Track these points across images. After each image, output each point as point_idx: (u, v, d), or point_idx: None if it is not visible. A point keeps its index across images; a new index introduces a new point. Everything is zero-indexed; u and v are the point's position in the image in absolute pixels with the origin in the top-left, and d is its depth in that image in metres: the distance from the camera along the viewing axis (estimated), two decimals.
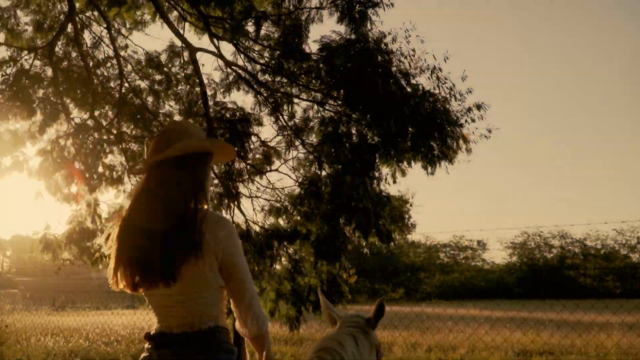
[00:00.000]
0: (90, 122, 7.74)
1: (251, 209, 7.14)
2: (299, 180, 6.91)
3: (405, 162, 6.21)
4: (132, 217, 1.85)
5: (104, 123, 7.84)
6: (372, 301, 6.42)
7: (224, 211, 6.92)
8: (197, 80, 7.03)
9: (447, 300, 27.85)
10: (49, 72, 7.14)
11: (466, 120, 6.17)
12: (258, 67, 6.80)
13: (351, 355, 2.22)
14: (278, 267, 6.89)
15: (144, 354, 1.87)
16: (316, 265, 6.42)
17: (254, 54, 6.68)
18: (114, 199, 7.61)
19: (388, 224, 6.34)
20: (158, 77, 7.79)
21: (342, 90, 6.11)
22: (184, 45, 6.70)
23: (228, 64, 6.84)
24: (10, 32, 7.02)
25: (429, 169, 6.05)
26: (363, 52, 5.74)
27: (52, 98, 7.48)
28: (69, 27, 6.95)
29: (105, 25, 7.23)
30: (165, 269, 1.72)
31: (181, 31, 6.66)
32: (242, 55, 6.68)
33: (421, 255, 41.39)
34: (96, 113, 7.57)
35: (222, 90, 7.14)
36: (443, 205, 63.03)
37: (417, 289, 35.92)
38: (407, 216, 7.77)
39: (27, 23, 7.17)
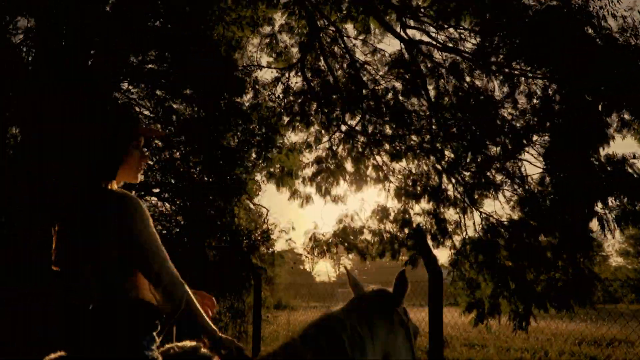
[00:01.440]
0: (358, 127, 8.66)
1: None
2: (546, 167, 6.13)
3: None
4: None
5: (369, 127, 8.61)
6: None
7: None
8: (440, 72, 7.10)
9: None
10: (304, 85, 8.30)
11: None
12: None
13: (352, 331, 2.06)
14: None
15: None
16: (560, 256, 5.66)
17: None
18: (376, 198, 8.28)
19: None
20: (407, 76, 8.04)
21: None
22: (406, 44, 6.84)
23: (453, 50, 6.66)
24: (278, 55, 8.44)
25: None
26: None
27: (324, 109, 8.70)
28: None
29: (348, 36, 7.96)
30: None
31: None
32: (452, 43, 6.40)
33: None
34: (357, 118, 8.40)
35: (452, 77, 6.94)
36: None
37: None
38: None
39: (292, 45, 8.46)
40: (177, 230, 8.89)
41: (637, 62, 5.53)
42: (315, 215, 9.59)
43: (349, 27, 8.12)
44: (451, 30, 6.58)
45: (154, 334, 1.98)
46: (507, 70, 6.23)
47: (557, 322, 11.85)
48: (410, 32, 7.20)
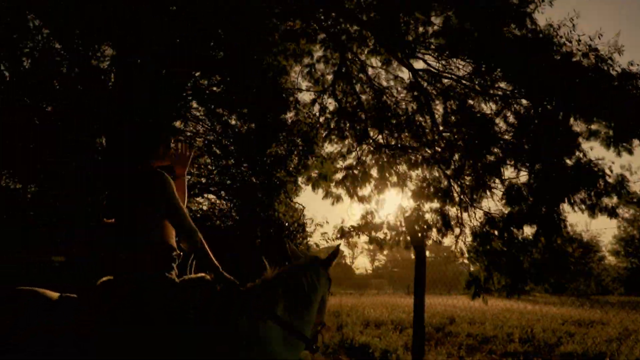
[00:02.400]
0: (382, 140, 10.32)
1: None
2: None
3: None
4: None
5: (392, 140, 10.26)
6: None
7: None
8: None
9: None
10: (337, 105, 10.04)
11: None
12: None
13: (308, 278, 3.07)
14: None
15: None
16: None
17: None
18: (394, 198, 9.86)
19: None
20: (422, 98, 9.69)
21: None
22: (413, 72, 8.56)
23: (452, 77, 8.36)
24: (315, 81, 10.23)
25: None
26: None
27: (356, 126, 10.41)
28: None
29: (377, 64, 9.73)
30: None
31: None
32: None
33: None
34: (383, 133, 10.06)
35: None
36: None
37: None
38: None
39: (327, 73, 10.24)
40: (231, 223, 10.72)
41: (599, 81, 7.03)
42: (344, 212, 11.19)
43: (374, 59, 9.83)
44: (451, 60, 8.22)
45: (173, 264, 2.75)
46: (493, 91, 7.82)
47: (549, 307, 13.12)
48: (419, 62, 8.89)
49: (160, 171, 2.77)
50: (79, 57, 8.81)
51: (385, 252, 56.37)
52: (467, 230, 8.54)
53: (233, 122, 10.78)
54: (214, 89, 10.73)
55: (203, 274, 2.88)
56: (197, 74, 10.63)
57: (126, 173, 2.76)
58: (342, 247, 10.65)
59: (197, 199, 11.59)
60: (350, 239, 9.43)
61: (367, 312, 13.35)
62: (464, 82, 8.30)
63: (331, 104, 10.06)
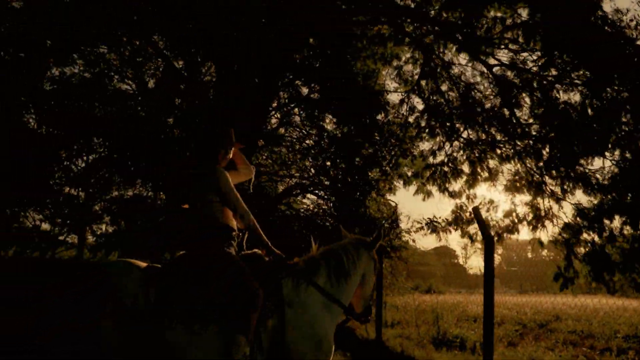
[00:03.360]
0: (472, 137, 10.44)
1: None
2: None
3: None
4: None
5: (482, 135, 10.33)
6: None
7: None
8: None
9: None
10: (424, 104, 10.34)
11: None
12: None
13: (348, 255, 3.64)
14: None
15: None
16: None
17: None
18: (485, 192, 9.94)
19: None
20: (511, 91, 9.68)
21: None
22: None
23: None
24: (405, 82, 10.61)
25: None
26: None
27: (446, 124, 10.65)
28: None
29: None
30: None
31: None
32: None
33: None
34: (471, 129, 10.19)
35: None
36: None
37: None
38: None
39: (416, 74, 10.58)
40: (332, 222, 11.46)
41: None
42: (434, 208, 11.48)
43: (460, 56, 10.00)
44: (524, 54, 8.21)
45: (232, 242, 3.39)
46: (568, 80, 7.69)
47: None
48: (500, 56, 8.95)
49: (221, 169, 3.44)
50: (190, 72, 10.08)
51: (499, 252, 54.37)
52: (557, 222, 8.44)
53: (328, 126, 11.52)
54: (313, 96, 11.56)
55: (256, 250, 3.51)
56: (298, 82, 11.59)
57: (197, 172, 3.44)
58: (441, 242, 11.03)
59: (300, 198, 12.53)
60: (440, 233, 9.71)
61: (470, 309, 13.37)
62: (543, 74, 8.23)
63: (419, 104, 10.41)
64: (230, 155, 3.72)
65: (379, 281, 9.05)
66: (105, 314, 2.97)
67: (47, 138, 9.45)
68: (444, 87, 10.12)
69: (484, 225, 7.22)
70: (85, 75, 9.65)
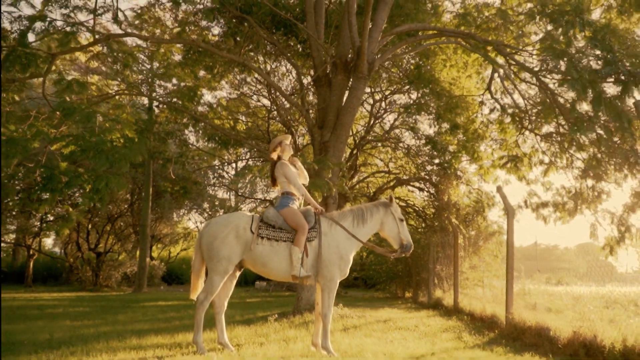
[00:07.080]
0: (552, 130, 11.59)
1: None
2: None
3: None
4: None
5: (561, 129, 11.42)
6: None
7: None
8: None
9: None
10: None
11: None
12: None
13: (368, 210, 5.85)
14: None
15: None
16: None
17: None
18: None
19: None
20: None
21: None
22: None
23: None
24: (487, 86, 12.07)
25: None
26: None
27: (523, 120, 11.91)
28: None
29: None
30: None
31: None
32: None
33: None
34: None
35: None
36: None
37: None
38: None
39: (469, 75, 12.03)
40: (433, 210, 13.27)
41: None
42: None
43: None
44: None
45: (295, 201, 5.86)
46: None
47: None
48: None
49: (283, 161, 6.05)
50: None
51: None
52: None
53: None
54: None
55: (309, 206, 5.93)
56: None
57: (274, 163, 6.10)
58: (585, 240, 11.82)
59: (405, 191, 14.50)
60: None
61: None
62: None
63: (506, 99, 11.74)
64: (284, 154, 6.13)
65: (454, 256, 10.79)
66: (230, 233, 5.53)
67: None
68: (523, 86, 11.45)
69: (505, 201, 8.62)
70: None
